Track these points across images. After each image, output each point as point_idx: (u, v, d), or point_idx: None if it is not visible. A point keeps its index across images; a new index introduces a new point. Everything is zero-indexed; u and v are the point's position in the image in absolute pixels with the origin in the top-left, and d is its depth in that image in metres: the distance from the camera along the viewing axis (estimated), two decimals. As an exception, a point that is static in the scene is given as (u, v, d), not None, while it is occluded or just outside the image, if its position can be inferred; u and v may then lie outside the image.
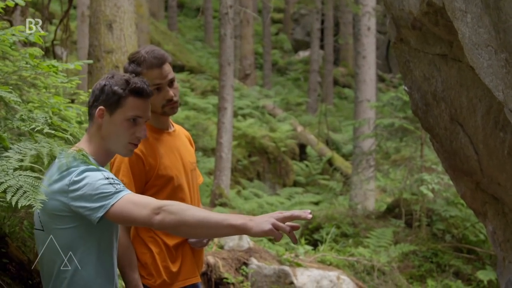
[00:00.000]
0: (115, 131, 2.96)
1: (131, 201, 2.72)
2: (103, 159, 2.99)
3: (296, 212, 2.62)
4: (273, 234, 2.57)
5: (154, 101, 3.42)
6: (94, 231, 2.85)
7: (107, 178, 2.78)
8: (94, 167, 2.84)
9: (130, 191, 2.80)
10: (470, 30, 2.62)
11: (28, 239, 3.85)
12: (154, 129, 3.51)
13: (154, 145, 3.45)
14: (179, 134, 3.68)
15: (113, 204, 2.71)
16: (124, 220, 2.74)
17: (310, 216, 2.59)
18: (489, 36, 2.53)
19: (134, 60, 3.43)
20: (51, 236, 2.85)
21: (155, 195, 3.43)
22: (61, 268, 2.85)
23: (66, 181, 2.78)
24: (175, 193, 3.48)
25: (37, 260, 2.98)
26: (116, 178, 2.85)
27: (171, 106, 3.50)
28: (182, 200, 3.53)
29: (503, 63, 2.49)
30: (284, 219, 2.60)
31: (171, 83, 3.48)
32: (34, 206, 2.62)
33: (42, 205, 2.61)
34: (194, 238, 3.43)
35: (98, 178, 2.77)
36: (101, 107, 2.96)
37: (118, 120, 2.96)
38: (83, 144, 2.98)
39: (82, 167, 2.81)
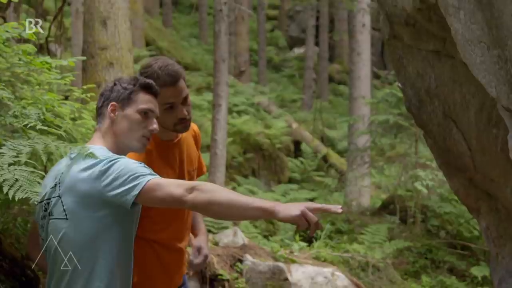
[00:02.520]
0: (128, 125, 3.01)
1: (165, 180, 2.78)
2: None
3: (326, 205, 2.66)
4: (300, 222, 2.60)
5: (166, 119, 3.32)
6: (120, 220, 2.86)
7: (141, 164, 2.85)
8: (132, 160, 2.89)
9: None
10: (463, 26, 2.63)
11: (21, 236, 3.84)
12: (159, 141, 3.41)
13: (156, 160, 3.35)
14: (186, 139, 3.58)
15: (148, 181, 2.74)
16: (157, 196, 2.74)
17: (341, 210, 2.63)
18: (481, 32, 2.53)
19: (146, 76, 3.26)
20: (80, 223, 2.84)
21: (150, 208, 3.39)
22: (83, 258, 2.84)
23: (99, 167, 2.80)
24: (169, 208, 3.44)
25: (40, 254, 2.96)
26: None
27: (183, 125, 3.38)
28: (175, 212, 3.49)
29: (496, 59, 2.49)
30: (314, 210, 2.63)
31: (184, 100, 3.36)
32: (31, 199, 2.62)
33: (38, 197, 2.62)
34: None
35: (131, 162, 2.84)
36: (113, 102, 3.03)
37: (130, 114, 3.02)
38: (97, 141, 2.99)
39: (113, 156, 2.87)
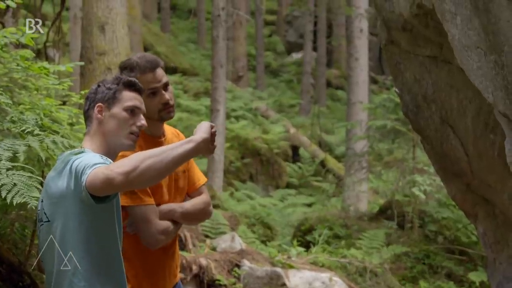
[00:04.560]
0: (116, 124, 3.01)
1: (100, 167, 2.70)
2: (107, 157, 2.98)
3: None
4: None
5: (149, 106, 3.36)
6: (95, 217, 2.84)
7: (101, 157, 2.82)
8: (96, 153, 2.88)
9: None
10: (459, 32, 2.63)
11: (19, 241, 3.84)
12: (147, 136, 3.42)
13: None
14: (171, 141, 3.54)
15: (92, 171, 2.69)
16: (94, 184, 2.68)
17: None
18: (478, 38, 2.54)
19: (126, 67, 3.38)
20: (60, 224, 2.84)
21: None
22: (70, 254, 2.83)
23: (67, 167, 2.82)
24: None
25: (38, 257, 2.96)
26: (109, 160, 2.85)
27: (167, 110, 3.43)
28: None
29: (493, 65, 2.50)
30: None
31: (165, 86, 3.43)
32: (29, 204, 2.62)
33: (36, 202, 2.61)
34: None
35: (91, 155, 2.82)
36: (99, 103, 3.03)
37: (117, 112, 3.02)
38: (86, 145, 3.00)
39: (83, 153, 2.87)
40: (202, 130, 2.85)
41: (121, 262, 2.97)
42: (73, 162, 2.80)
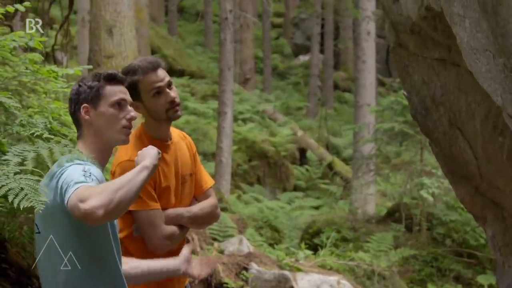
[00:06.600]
0: (106, 121, 2.94)
1: (80, 194, 2.61)
2: (102, 157, 2.95)
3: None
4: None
5: (156, 107, 3.38)
6: (84, 230, 2.78)
7: (84, 171, 2.73)
8: (81, 161, 2.81)
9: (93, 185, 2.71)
10: (468, 35, 2.63)
11: (28, 244, 3.85)
12: (154, 141, 3.40)
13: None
14: (178, 144, 3.59)
15: (72, 192, 2.63)
16: (75, 215, 2.61)
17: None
18: (487, 40, 2.54)
19: (128, 71, 3.37)
20: (49, 236, 2.81)
21: None
22: (60, 268, 2.80)
23: (54, 177, 2.77)
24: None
25: (34, 263, 2.96)
26: (93, 173, 2.76)
27: (174, 109, 3.43)
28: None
29: (501, 68, 2.49)
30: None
31: (169, 85, 3.44)
32: (35, 208, 2.61)
33: (44, 206, 2.60)
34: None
35: (77, 170, 2.74)
36: (84, 104, 2.95)
37: (104, 110, 2.94)
38: (80, 148, 2.95)
39: (68, 163, 2.79)
40: (150, 155, 2.80)
41: (118, 271, 2.92)
42: (60, 176, 2.74)
